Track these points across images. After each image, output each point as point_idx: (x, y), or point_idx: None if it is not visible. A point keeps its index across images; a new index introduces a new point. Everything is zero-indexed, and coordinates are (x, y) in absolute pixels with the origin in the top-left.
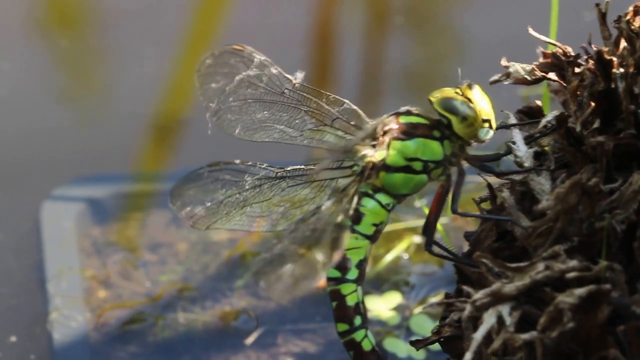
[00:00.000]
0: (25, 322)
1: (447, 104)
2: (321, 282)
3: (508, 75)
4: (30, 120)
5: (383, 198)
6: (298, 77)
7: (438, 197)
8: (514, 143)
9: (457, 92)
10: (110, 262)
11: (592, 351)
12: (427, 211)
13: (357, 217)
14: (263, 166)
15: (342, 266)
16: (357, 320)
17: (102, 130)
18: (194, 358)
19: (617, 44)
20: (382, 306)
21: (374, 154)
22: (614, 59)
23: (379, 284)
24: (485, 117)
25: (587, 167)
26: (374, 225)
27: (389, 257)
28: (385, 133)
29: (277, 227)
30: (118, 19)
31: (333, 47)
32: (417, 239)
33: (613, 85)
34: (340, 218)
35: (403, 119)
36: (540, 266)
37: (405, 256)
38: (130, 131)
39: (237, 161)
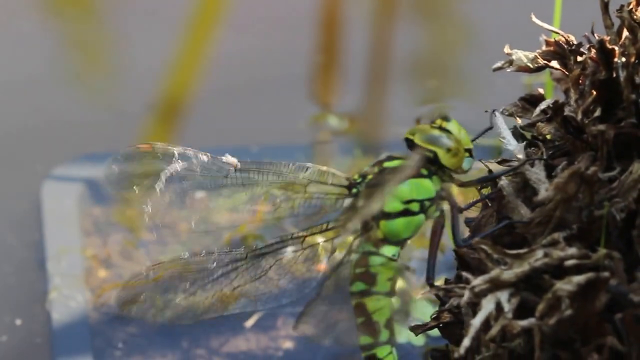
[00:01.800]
0: (25, 301)
1: (431, 138)
2: (321, 265)
3: (511, 62)
4: (33, 98)
5: (388, 250)
6: (230, 159)
7: (434, 234)
8: (503, 138)
9: (434, 127)
10: (111, 242)
11: (589, 339)
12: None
13: (372, 279)
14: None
15: (372, 331)
16: None
17: (105, 110)
18: (193, 340)
19: (619, 33)
20: None
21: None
22: (616, 48)
23: None
24: (466, 147)
25: (585, 155)
26: (389, 280)
27: None
28: None
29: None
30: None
31: (340, 33)
32: None
33: (614, 74)
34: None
35: (387, 165)
36: (539, 253)
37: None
38: (134, 111)
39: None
